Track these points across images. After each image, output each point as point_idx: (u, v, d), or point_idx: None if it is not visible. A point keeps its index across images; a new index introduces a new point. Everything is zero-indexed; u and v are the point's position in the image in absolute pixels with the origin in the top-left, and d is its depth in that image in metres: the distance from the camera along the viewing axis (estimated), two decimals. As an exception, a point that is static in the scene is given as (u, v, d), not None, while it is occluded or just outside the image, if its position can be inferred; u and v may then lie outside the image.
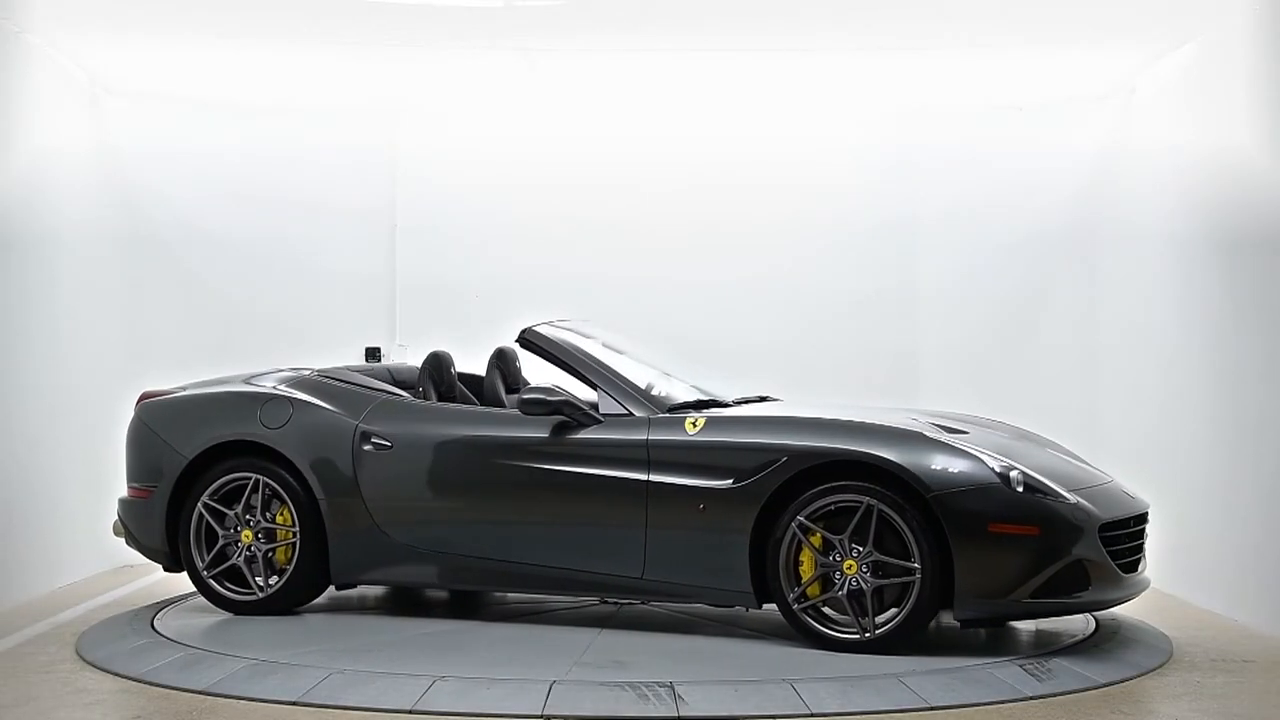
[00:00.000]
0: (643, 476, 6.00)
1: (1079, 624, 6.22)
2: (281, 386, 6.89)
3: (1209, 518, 7.22)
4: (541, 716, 4.73)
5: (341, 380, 6.91)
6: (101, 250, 8.69)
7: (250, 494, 6.67)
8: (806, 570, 5.70)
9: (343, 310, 9.42)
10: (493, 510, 6.32)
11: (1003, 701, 4.96)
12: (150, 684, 5.28)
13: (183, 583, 7.94)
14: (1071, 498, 5.61)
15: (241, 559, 6.67)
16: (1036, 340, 9.21)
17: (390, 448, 6.51)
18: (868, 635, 5.57)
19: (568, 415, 6.20)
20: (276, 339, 9.29)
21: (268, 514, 6.69)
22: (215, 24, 7.69)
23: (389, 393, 6.80)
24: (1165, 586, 7.65)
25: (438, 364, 6.93)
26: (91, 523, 8.40)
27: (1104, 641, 5.92)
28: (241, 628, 6.33)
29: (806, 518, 5.68)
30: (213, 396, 6.96)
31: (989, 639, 5.94)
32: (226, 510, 6.70)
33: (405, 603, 7.11)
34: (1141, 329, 8.17)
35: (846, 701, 4.86)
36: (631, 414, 6.20)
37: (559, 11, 7.58)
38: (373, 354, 9.38)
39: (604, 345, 6.83)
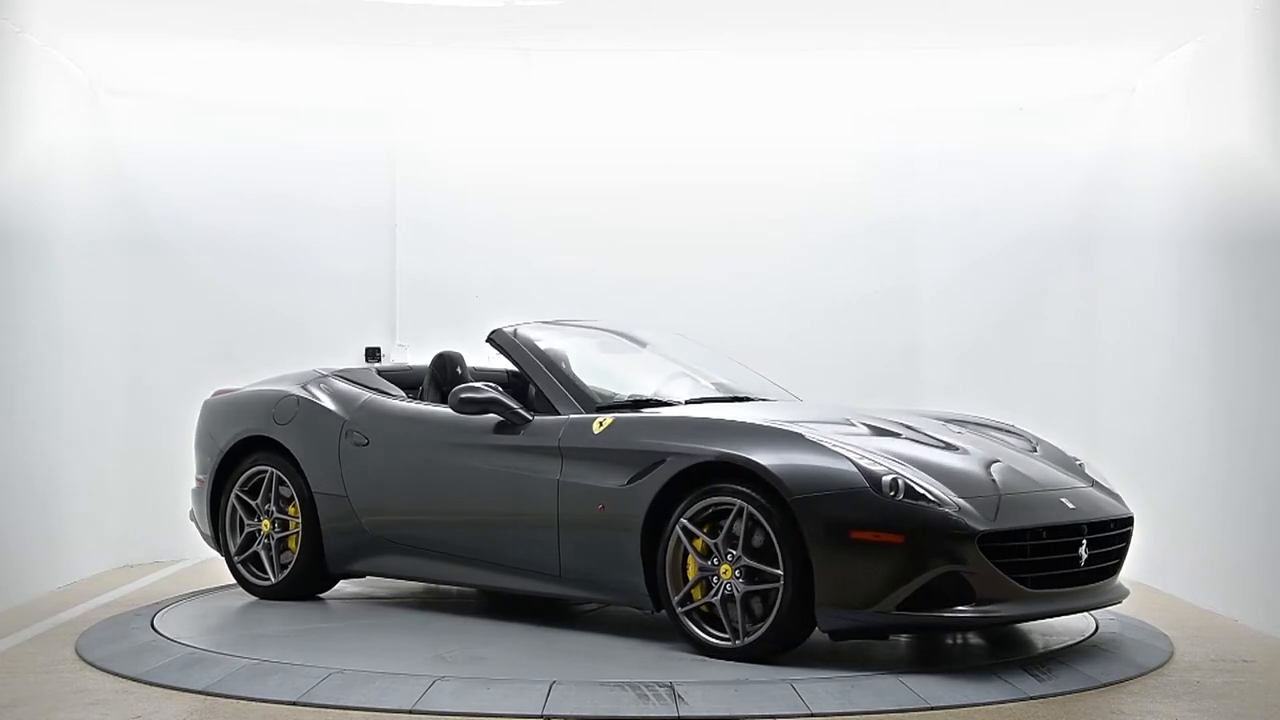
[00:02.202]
0: (555, 476, 6.03)
1: (1079, 624, 6.22)
2: (294, 385, 7.26)
3: (1209, 517, 7.21)
4: (541, 716, 4.73)
5: (347, 379, 7.17)
6: (101, 250, 8.70)
7: (268, 486, 7.12)
8: (693, 574, 5.57)
9: (343, 310, 9.43)
10: (444, 506, 6.51)
11: (1003, 701, 4.95)
12: (150, 684, 5.27)
13: (182, 583, 7.95)
14: (954, 505, 5.25)
15: (261, 546, 7.12)
16: (1037, 339, 9.22)
17: (366, 444, 6.79)
18: (738, 642, 5.40)
19: (497, 413, 6.28)
20: (276, 339, 9.30)
21: (288, 506, 7.06)
22: (215, 24, 7.70)
23: (382, 392, 7.01)
24: (1165, 587, 7.65)
25: (442, 364, 7.01)
26: (92, 522, 8.41)
27: (1104, 641, 5.91)
28: (241, 627, 6.33)
29: (690, 520, 5.57)
30: (244, 394, 7.46)
31: (995, 640, 5.93)
32: (252, 501, 7.18)
33: (408, 599, 7.13)
34: (1141, 328, 8.17)
35: (846, 701, 4.86)
36: (556, 413, 6.24)
37: (559, 11, 7.59)
38: (373, 354, 9.40)
39: (623, 338, 7.02)
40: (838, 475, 5.28)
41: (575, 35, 8.01)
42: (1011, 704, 4.94)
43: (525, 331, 6.71)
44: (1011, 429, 6.44)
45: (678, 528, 5.58)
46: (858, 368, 9.28)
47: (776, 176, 9.55)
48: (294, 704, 4.93)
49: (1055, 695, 5.07)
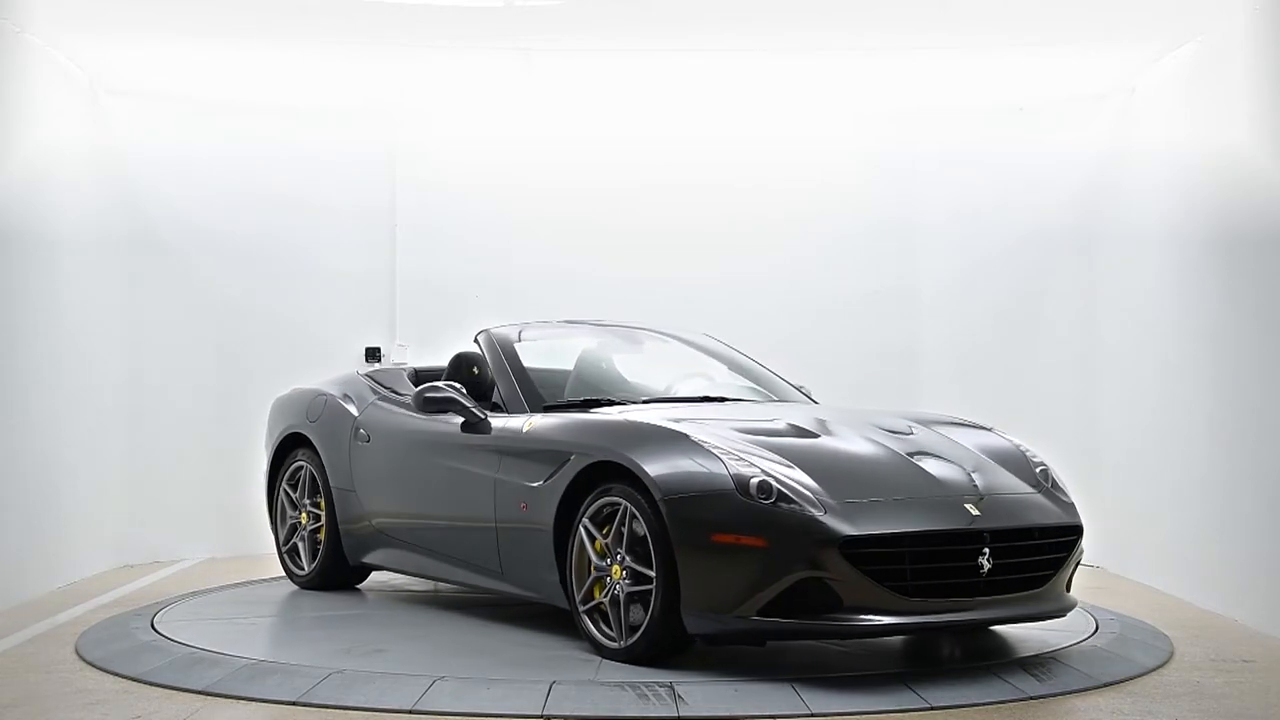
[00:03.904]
0: (494, 475, 6.11)
1: (1079, 624, 6.22)
2: (330, 385, 7.55)
3: (1209, 517, 7.21)
4: (541, 716, 4.72)
5: (372, 380, 7.39)
6: (101, 250, 8.69)
7: (303, 481, 7.47)
8: (593, 573, 5.54)
9: (343, 310, 9.43)
10: (421, 503, 6.69)
11: (1003, 701, 4.95)
12: (150, 684, 5.27)
13: (182, 583, 7.95)
14: (823, 508, 5.09)
15: (299, 538, 7.49)
16: (1036, 339, 9.22)
17: (369, 442, 7.02)
18: (622, 644, 5.39)
19: (456, 412, 6.40)
20: (276, 339, 9.31)
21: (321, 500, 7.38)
22: (215, 24, 7.70)
23: (394, 391, 7.16)
24: (1165, 587, 7.65)
25: (459, 365, 7.03)
26: (92, 522, 8.41)
27: (1104, 641, 5.91)
28: (241, 627, 6.33)
29: (590, 520, 5.56)
30: (295, 392, 7.78)
31: (995, 640, 5.93)
32: (294, 494, 7.56)
33: (416, 600, 7.13)
34: (1141, 328, 8.17)
35: (847, 701, 4.86)
36: (505, 412, 6.35)
37: (559, 11, 7.59)
38: (373, 354, 9.41)
39: (622, 340, 7.07)
40: (707, 477, 5.20)
41: (575, 35, 8.01)
42: (1011, 704, 4.94)
43: (503, 332, 6.81)
44: (989, 431, 6.21)
45: (581, 527, 5.59)
46: (858, 368, 9.28)
47: (776, 176, 9.55)
48: (294, 704, 4.93)
49: (1055, 695, 5.07)
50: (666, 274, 9.36)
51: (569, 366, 6.98)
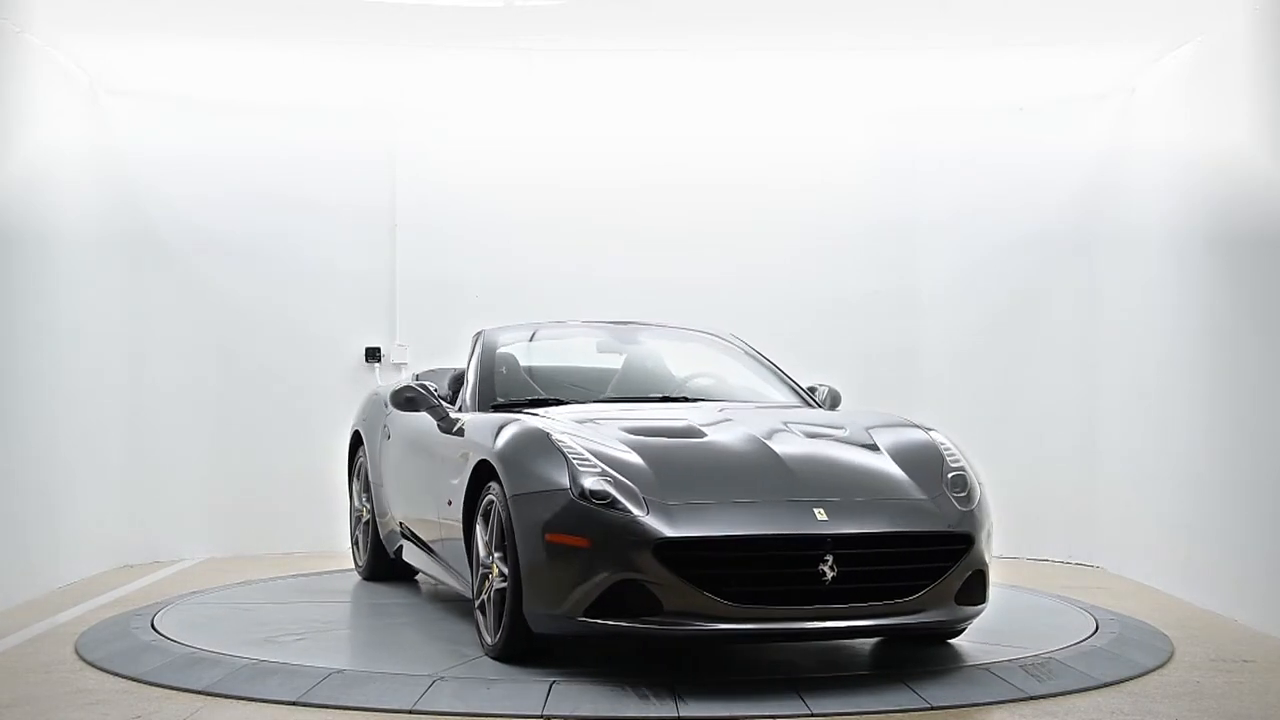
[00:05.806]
0: (440, 471, 6.24)
1: (1079, 624, 6.22)
2: (385, 385, 7.86)
3: (1209, 517, 7.21)
4: (541, 716, 4.73)
5: (415, 379, 7.49)
6: (101, 250, 8.69)
7: (364, 476, 7.77)
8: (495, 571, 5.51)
9: (343, 310, 9.43)
10: (407, 498, 6.91)
11: (1003, 701, 4.95)
12: (150, 684, 5.27)
13: (182, 583, 7.95)
14: (645, 509, 5.01)
15: (359, 531, 7.88)
16: (1036, 339, 9.21)
17: (389, 439, 7.29)
18: (491, 640, 5.43)
19: (426, 410, 6.51)
20: (276, 339, 9.31)
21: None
22: (215, 24, 7.70)
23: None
24: (1165, 587, 7.65)
25: None
26: (92, 522, 8.40)
27: (1104, 641, 5.91)
28: (241, 627, 6.33)
29: (481, 517, 5.60)
30: (367, 393, 8.12)
31: (994, 641, 5.92)
32: (357, 488, 7.93)
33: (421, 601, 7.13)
34: (1141, 328, 8.17)
35: (846, 701, 4.86)
36: (462, 410, 6.45)
37: (559, 11, 7.59)
38: (373, 354, 9.40)
39: (617, 340, 7.10)
40: (549, 477, 5.19)
41: (575, 35, 8.01)
42: (1011, 704, 4.94)
43: (493, 333, 6.89)
44: (926, 431, 5.85)
45: (478, 525, 5.63)
46: (858, 368, 9.27)
47: (777, 176, 9.55)
48: (294, 704, 4.93)
49: (1055, 695, 5.07)
50: (666, 274, 9.36)
51: (585, 365, 7.07)
